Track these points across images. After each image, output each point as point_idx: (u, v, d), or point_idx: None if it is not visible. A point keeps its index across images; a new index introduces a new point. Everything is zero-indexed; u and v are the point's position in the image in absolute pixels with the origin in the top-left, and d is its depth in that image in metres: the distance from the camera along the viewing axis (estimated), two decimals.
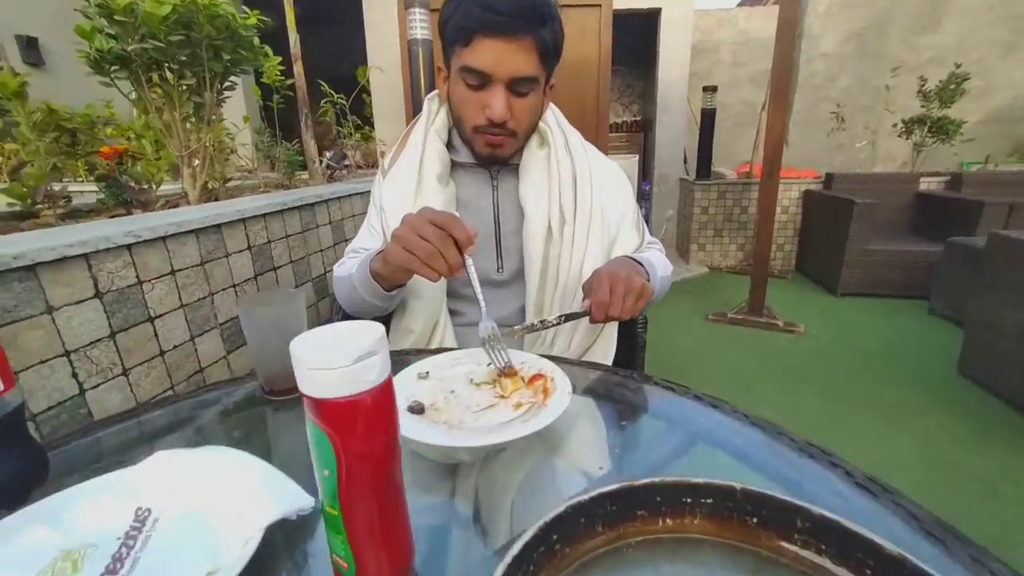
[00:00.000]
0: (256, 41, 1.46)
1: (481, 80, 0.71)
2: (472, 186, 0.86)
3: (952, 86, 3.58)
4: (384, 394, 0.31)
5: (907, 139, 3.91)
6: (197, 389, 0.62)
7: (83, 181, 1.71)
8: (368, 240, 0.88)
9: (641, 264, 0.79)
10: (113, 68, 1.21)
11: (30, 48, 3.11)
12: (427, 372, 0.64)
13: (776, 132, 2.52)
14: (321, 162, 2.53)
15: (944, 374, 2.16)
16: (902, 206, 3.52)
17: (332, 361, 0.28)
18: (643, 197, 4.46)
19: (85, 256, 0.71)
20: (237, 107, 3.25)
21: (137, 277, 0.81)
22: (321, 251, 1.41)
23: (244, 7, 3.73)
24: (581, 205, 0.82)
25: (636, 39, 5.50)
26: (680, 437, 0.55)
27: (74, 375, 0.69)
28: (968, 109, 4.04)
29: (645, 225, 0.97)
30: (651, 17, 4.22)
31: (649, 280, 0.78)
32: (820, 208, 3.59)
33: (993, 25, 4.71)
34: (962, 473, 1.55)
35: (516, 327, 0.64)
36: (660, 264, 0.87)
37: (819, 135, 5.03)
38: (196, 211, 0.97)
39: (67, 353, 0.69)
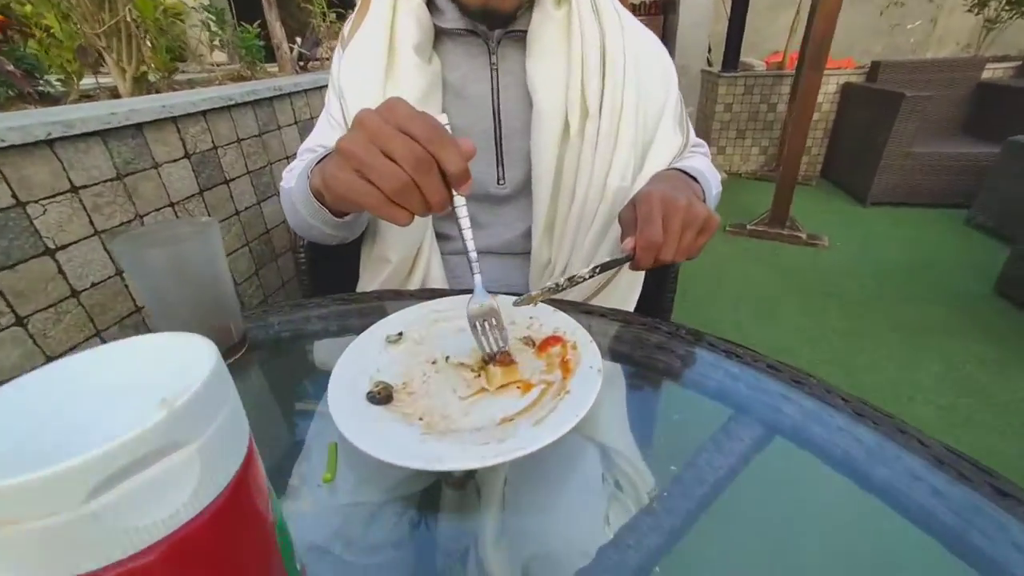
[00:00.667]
0: None
1: None
2: (463, 64, 0.62)
3: None
4: (216, 533, 0.13)
5: (978, 13, 3.33)
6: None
7: None
8: (328, 135, 0.65)
9: (696, 180, 0.58)
10: None
11: None
12: (399, 334, 0.47)
13: (829, 7, 2.10)
14: (291, 49, 2.17)
15: (980, 292, 2.00)
16: (960, 99, 3.09)
17: (24, 508, 0.10)
18: None
19: None
20: None
21: (14, 196, 0.61)
22: (287, 157, 1.17)
23: None
24: (611, 92, 0.59)
25: None
26: (755, 434, 0.39)
27: None
28: None
29: (689, 121, 0.73)
30: None
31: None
32: (861, 104, 3.18)
33: None
34: (992, 400, 1.45)
35: (534, 292, 0.45)
36: (713, 178, 0.65)
37: (864, 15, 4.36)
38: (96, 107, 0.74)
39: None
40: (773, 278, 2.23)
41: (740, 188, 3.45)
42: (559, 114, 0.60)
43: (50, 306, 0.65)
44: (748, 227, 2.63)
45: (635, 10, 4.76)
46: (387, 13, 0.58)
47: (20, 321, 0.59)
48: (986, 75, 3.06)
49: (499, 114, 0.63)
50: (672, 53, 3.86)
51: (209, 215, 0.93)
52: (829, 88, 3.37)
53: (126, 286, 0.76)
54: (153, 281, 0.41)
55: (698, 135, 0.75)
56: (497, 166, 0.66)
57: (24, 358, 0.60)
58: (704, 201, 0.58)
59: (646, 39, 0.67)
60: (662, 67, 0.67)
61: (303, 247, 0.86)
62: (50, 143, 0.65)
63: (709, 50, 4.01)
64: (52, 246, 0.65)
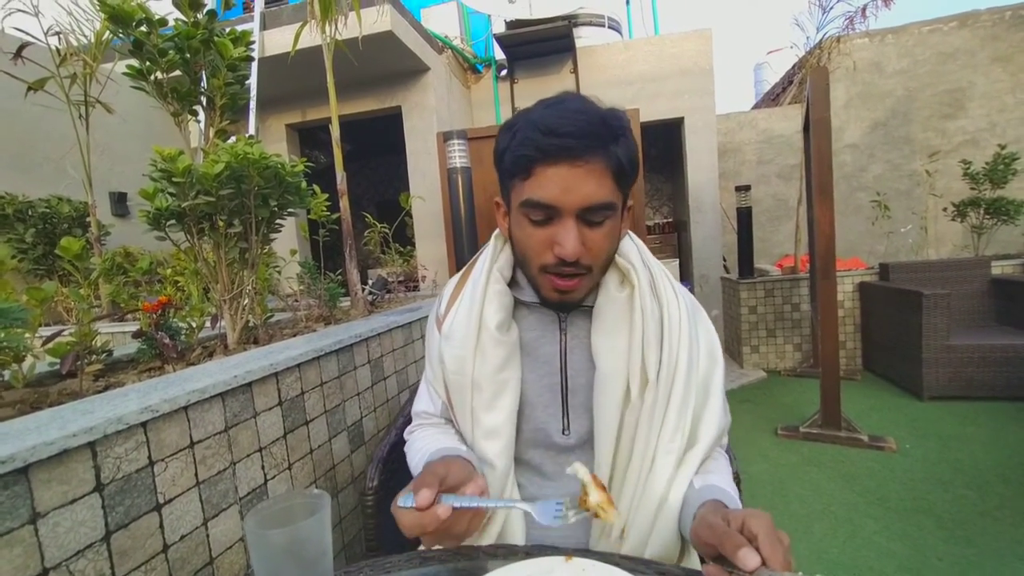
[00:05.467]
0: (303, 185, 1.52)
1: (547, 214, 0.62)
2: (536, 328, 0.74)
3: (1001, 166, 3.45)
4: None
5: (960, 222, 3.71)
6: None
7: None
8: (429, 402, 0.81)
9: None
10: (169, 223, 1.26)
11: (119, 202, 3.66)
12: None
13: (825, 229, 2.41)
14: (363, 289, 2.57)
15: None
16: (977, 294, 3.22)
17: None
18: None
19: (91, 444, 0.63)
20: (287, 240, 3.46)
21: (149, 458, 0.72)
22: (358, 394, 1.31)
23: (295, 154, 4.16)
24: (667, 359, 0.65)
25: (660, 146, 5.79)
26: None
27: None
28: (1018, 187, 3.86)
29: (727, 406, 0.74)
30: (674, 125, 4.44)
31: None
32: (881, 301, 3.34)
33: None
34: None
35: None
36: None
37: (858, 223, 4.91)
38: (221, 370, 0.91)
39: None
40: (843, 489, 2.04)
41: (781, 386, 3.41)
42: (621, 380, 0.67)
43: (143, 563, 0.70)
44: (801, 429, 2.52)
45: (650, 230, 5.51)
46: (478, 304, 0.71)
47: None
48: (995, 271, 3.23)
49: (566, 371, 0.72)
50: (690, 265, 4.29)
51: (289, 458, 1.02)
52: (846, 287, 3.59)
53: (207, 536, 0.81)
54: (270, 564, 0.47)
55: (729, 335, 0.82)
56: (563, 417, 0.72)
57: None
58: None
59: (697, 316, 0.74)
60: (708, 341, 0.73)
61: (371, 491, 0.91)
62: (186, 408, 0.79)
63: (724, 259, 4.47)
64: (162, 501, 0.74)
